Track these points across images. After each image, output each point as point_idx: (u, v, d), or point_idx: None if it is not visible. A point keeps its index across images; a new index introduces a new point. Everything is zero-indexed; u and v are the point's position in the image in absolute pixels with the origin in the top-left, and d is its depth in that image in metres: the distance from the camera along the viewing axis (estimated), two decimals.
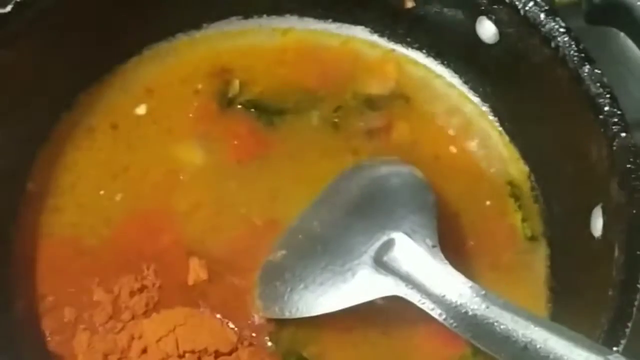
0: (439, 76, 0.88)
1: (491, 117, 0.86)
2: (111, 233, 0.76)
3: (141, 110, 0.83)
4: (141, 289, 0.73)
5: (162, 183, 0.79)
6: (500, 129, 0.85)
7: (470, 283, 0.67)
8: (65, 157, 0.80)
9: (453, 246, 0.75)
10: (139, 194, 0.79)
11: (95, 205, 0.78)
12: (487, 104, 0.86)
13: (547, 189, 0.81)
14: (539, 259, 0.79)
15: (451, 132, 0.85)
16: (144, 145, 0.81)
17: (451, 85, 0.87)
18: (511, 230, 0.80)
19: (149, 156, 0.80)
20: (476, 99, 0.86)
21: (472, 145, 0.85)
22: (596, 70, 0.70)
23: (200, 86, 0.84)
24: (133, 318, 0.72)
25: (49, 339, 0.72)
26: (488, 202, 0.81)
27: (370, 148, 0.83)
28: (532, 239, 0.79)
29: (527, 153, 0.83)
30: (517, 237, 0.80)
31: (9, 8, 0.72)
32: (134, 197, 0.78)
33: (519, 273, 0.78)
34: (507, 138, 0.85)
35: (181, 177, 0.79)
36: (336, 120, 0.84)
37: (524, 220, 0.80)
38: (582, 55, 0.71)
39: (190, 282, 0.74)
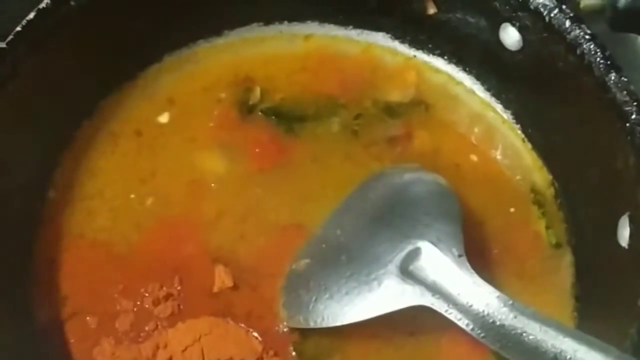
0: (460, 83, 0.87)
1: (514, 125, 0.85)
2: (140, 239, 0.77)
3: (164, 118, 0.83)
4: (166, 297, 0.73)
5: (188, 191, 0.79)
6: (523, 136, 0.84)
7: (497, 293, 0.67)
8: (89, 162, 0.80)
9: (477, 254, 0.74)
10: (168, 199, 0.79)
11: (127, 209, 0.78)
12: (509, 111, 0.85)
13: (571, 197, 0.80)
14: (564, 266, 0.78)
15: (473, 140, 0.85)
16: (168, 153, 0.81)
17: (473, 93, 0.87)
18: (536, 237, 0.79)
19: (173, 164, 0.81)
20: (498, 106, 0.86)
21: (495, 153, 0.84)
22: (623, 78, 0.70)
23: (223, 95, 0.84)
24: (158, 327, 0.71)
25: (72, 348, 0.71)
26: (512, 210, 0.81)
27: (391, 156, 0.83)
28: (557, 246, 0.79)
29: (550, 160, 0.82)
30: (541, 244, 0.79)
31: (31, 15, 0.72)
32: (163, 203, 0.79)
33: (544, 281, 0.77)
34: (530, 145, 0.84)
35: (206, 185, 0.79)
36: (356, 128, 0.84)
37: (548, 227, 0.80)
38: (608, 62, 0.71)
39: (216, 289, 0.73)
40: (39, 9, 0.72)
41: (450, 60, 0.87)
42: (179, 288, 0.73)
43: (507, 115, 0.86)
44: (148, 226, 0.77)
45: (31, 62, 0.73)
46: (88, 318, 0.72)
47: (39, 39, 0.73)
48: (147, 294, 0.73)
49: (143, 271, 0.74)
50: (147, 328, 0.71)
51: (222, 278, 0.74)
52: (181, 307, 0.73)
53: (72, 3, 0.74)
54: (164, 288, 0.73)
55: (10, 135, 0.72)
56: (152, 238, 0.77)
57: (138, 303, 0.73)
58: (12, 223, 0.74)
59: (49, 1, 0.73)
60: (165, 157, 0.81)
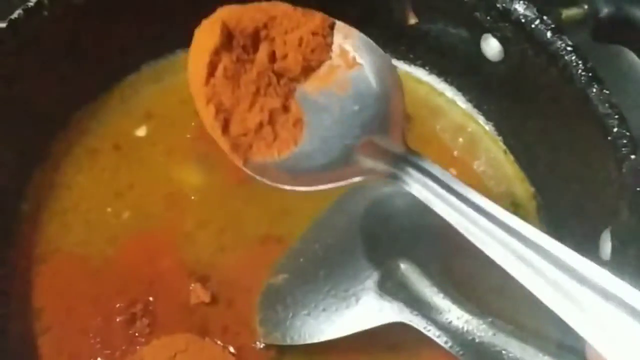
0: (442, 94, 0.87)
1: (495, 136, 0.85)
2: (116, 253, 0.75)
3: (141, 132, 0.82)
4: (142, 313, 0.71)
5: (165, 204, 0.78)
6: (505, 147, 0.84)
7: (476, 310, 0.66)
8: (64, 177, 0.79)
9: (457, 269, 0.73)
10: (144, 212, 0.78)
11: (103, 222, 0.77)
12: (491, 122, 0.85)
13: (553, 210, 0.79)
14: None
15: (454, 151, 0.84)
16: (146, 166, 0.80)
17: (454, 103, 0.87)
18: None
19: (151, 177, 0.80)
20: (480, 118, 0.86)
21: (476, 164, 0.84)
22: (604, 91, 0.69)
23: None
24: (132, 344, 0.70)
25: None
26: None
27: None
28: None
29: (532, 173, 0.82)
30: None
31: (3, 25, 0.71)
32: (140, 216, 0.77)
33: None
34: (511, 157, 0.83)
35: (183, 198, 0.78)
36: None
37: None
38: (590, 74, 0.70)
39: (192, 304, 0.72)
40: (10, 19, 0.71)
41: (431, 71, 0.87)
42: (154, 304, 0.72)
43: (488, 127, 0.85)
44: (124, 240, 0.76)
45: (3, 70, 0.72)
46: (62, 333, 0.71)
47: (12, 48, 0.72)
48: (122, 310, 0.72)
49: (118, 286, 0.73)
50: (121, 344, 0.70)
51: (198, 293, 0.72)
52: (156, 322, 0.71)
53: (45, 13, 0.73)
54: (139, 303, 0.72)
55: None
56: (128, 252, 0.75)
57: (113, 318, 0.71)
58: None
59: (21, 11, 0.72)
60: (142, 171, 0.80)
